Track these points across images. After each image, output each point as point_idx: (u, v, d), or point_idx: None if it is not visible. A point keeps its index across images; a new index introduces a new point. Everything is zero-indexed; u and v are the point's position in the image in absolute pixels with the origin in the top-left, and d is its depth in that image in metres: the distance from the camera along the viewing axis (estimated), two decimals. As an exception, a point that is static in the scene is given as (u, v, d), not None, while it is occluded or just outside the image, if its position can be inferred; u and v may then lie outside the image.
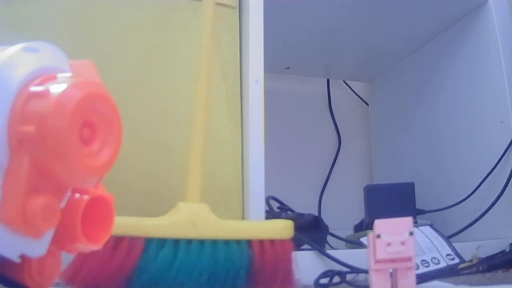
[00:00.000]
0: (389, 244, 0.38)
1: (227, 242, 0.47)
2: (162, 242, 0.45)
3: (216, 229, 0.47)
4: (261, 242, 0.48)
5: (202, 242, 0.47)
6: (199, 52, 0.55)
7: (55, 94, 0.25)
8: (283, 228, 0.50)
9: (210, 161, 0.60)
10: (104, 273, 0.43)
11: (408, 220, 0.39)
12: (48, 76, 0.27)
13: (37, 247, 0.27)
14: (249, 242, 0.48)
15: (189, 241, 0.46)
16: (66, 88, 0.25)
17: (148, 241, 0.45)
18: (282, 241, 0.49)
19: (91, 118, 0.27)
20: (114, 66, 0.59)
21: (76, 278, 0.43)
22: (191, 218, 0.47)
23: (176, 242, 0.46)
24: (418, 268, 0.59)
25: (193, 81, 0.55)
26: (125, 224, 0.44)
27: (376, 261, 0.39)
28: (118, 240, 0.44)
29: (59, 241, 0.29)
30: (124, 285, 0.44)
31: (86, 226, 0.29)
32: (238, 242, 0.48)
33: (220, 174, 0.61)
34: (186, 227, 0.47)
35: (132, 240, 0.45)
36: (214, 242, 0.47)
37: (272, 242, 0.49)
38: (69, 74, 0.27)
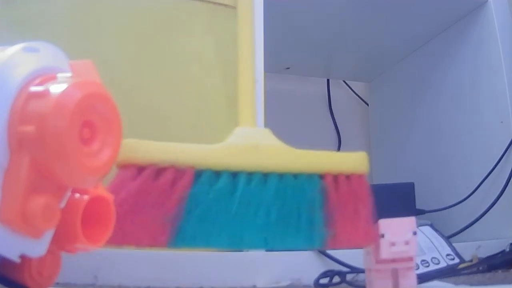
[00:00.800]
0: (393, 244, 0.38)
1: (296, 175, 0.39)
2: (216, 173, 0.37)
3: (283, 156, 0.39)
4: (335, 177, 0.40)
5: (266, 174, 0.38)
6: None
7: (55, 94, 0.25)
8: (360, 160, 0.42)
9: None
10: (144, 215, 0.35)
11: (412, 220, 0.39)
12: (48, 76, 0.27)
13: (37, 247, 0.27)
14: (321, 176, 0.39)
15: (250, 173, 0.37)
16: (66, 88, 0.25)
17: (199, 172, 0.36)
18: (359, 177, 0.41)
19: (91, 118, 0.27)
20: (114, 66, 0.59)
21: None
22: (252, 142, 0.39)
23: (234, 173, 0.37)
24: (418, 268, 0.59)
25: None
26: (169, 150, 0.36)
27: (378, 261, 0.39)
28: (160, 172, 0.36)
29: (59, 241, 0.29)
30: (168, 231, 0.35)
31: (86, 226, 0.29)
32: (309, 175, 0.39)
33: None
34: (246, 152, 0.38)
35: (178, 171, 0.36)
36: (281, 174, 0.38)
37: (348, 177, 0.41)
38: (69, 74, 0.27)
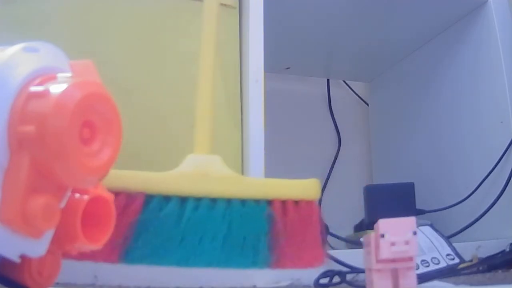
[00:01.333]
0: (393, 244, 0.38)
1: (243, 201, 0.40)
2: (165, 198, 0.38)
3: (231, 183, 0.40)
4: (283, 202, 0.41)
5: (214, 200, 0.39)
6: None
7: (55, 94, 0.25)
8: (309, 187, 0.43)
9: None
10: None
11: (412, 219, 0.39)
12: (48, 76, 0.27)
13: (37, 247, 0.27)
14: (269, 202, 0.40)
15: (198, 199, 0.39)
16: (66, 88, 0.25)
17: (149, 197, 0.38)
18: (308, 202, 0.42)
19: (91, 118, 0.27)
20: (114, 66, 0.59)
21: None
22: (201, 169, 0.40)
23: (183, 199, 0.39)
24: (418, 268, 0.59)
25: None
26: (121, 176, 0.37)
27: (378, 261, 0.39)
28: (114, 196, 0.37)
29: (59, 241, 0.29)
30: (119, 249, 0.38)
31: (86, 226, 0.30)
32: (256, 201, 0.40)
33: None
34: (195, 180, 0.39)
35: (130, 196, 0.38)
36: (229, 200, 0.40)
37: (296, 203, 0.41)
38: (69, 74, 0.27)
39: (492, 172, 0.75)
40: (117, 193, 0.36)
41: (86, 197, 0.30)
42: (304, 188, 0.43)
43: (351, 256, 0.60)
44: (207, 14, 0.49)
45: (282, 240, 0.40)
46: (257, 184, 0.41)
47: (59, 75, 0.27)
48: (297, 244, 0.40)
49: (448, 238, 0.66)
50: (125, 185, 0.38)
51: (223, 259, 0.38)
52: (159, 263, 0.38)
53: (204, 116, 0.44)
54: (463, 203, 0.79)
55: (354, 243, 0.74)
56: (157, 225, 0.37)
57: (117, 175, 0.36)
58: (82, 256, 0.35)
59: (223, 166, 0.41)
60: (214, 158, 0.41)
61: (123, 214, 0.37)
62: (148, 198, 0.38)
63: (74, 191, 0.29)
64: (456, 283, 0.52)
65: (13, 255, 0.26)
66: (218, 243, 0.38)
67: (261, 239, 0.39)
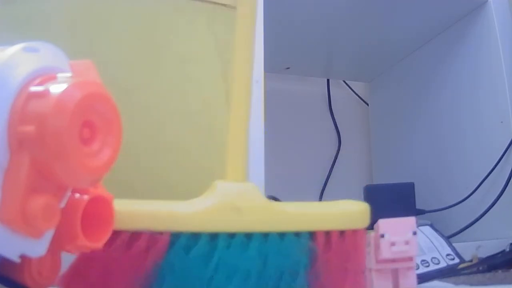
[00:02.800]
0: (393, 244, 0.38)
1: (282, 234, 0.35)
2: (194, 236, 0.34)
3: (269, 216, 0.35)
4: (327, 233, 0.36)
5: (249, 235, 0.35)
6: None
7: (55, 94, 0.25)
8: (358, 214, 0.38)
9: (209, 160, 0.60)
10: (115, 281, 0.33)
11: (412, 219, 0.39)
12: (48, 76, 0.27)
13: (37, 247, 0.27)
14: (311, 233, 0.36)
15: (231, 235, 0.34)
16: (66, 88, 0.25)
17: (175, 236, 0.34)
18: (355, 232, 0.37)
19: (91, 118, 0.27)
20: (114, 66, 0.59)
21: (77, 285, 0.34)
22: (233, 203, 0.35)
23: (213, 235, 0.34)
24: (418, 268, 0.59)
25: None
26: (142, 213, 0.33)
27: (378, 261, 0.39)
28: (133, 237, 0.33)
29: (59, 241, 0.29)
30: None
31: (86, 226, 0.29)
32: (297, 234, 0.36)
33: (220, 174, 0.61)
34: (227, 215, 0.34)
35: (152, 237, 0.33)
36: (265, 234, 0.35)
37: (342, 233, 0.37)
38: (69, 74, 0.27)
39: (492, 172, 0.75)
40: (138, 234, 0.33)
41: (86, 197, 0.30)
42: (353, 216, 0.38)
43: (351, 256, 0.60)
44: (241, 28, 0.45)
45: (323, 275, 0.36)
46: (298, 214, 0.36)
47: (59, 75, 0.27)
48: (339, 278, 0.36)
49: (448, 238, 0.66)
50: (147, 225, 0.33)
51: None
52: None
53: (238, 139, 0.38)
54: (463, 203, 0.79)
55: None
56: (184, 267, 0.33)
57: (137, 213, 0.33)
58: None
59: (259, 195, 0.36)
60: (249, 187, 0.36)
61: (146, 256, 0.33)
62: (174, 238, 0.34)
63: (74, 191, 0.29)
64: (456, 283, 0.52)
65: (13, 255, 0.26)
66: (252, 282, 0.34)
67: (300, 275, 0.35)
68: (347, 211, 0.38)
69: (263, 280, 0.34)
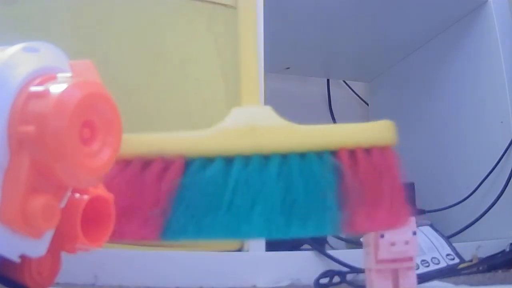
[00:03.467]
0: (393, 244, 0.38)
1: (302, 155, 0.33)
2: (209, 160, 0.33)
3: (286, 135, 0.34)
4: (352, 152, 0.34)
5: (266, 156, 0.33)
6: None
7: (55, 94, 0.25)
8: (382, 130, 0.37)
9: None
10: (133, 207, 0.33)
11: (411, 219, 0.39)
12: (48, 76, 0.27)
13: (37, 247, 0.27)
14: (334, 153, 0.34)
15: (247, 157, 0.33)
16: (66, 88, 0.25)
17: (189, 160, 0.33)
18: (382, 149, 0.36)
19: (91, 118, 0.27)
20: (114, 66, 0.59)
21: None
22: (248, 123, 0.34)
23: (229, 159, 0.33)
24: (418, 268, 0.59)
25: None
26: (155, 140, 0.33)
27: (378, 261, 0.39)
28: (148, 163, 0.33)
29: (59, 241, 0.29)
30: (158, 224, 0.32)
31: (86, 226, 0.30)
32: (318, 153, 0.34)
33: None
34: (242, 135, 0.33)
35: (166, 162, 0.33)
36: (284, 155, 0.33)
37: (367, 151, 0.35)
38: (69, 74, 0.27)
39: (492, 172, 0.75)
40: (151, 160, 0.33)
41: (86, 197, 0.30)
42: (375, 131, 0.36)
43: (351, 256, 0.60)
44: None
45: (354, 197, 0.33)
46: (317, 132, 0.34)
47: (59, 75, 0.27)
48: (373, 201, 0.34)
49: (448, 238, 0.66)
50: (159, 149, 0.33)
51: (283, 226, 0.32)
52: (206, 236, 0.32)
53: (249, 65, 0.37)
54: (463, 203, 0.79)
55: (354, 243, 0.74)
56: (200, 191, 0.32)
57: (148, 139, 0.33)
58: (118, 236, 0.32)
59: (276, 116, 0.35)
60: (265, 109, 0.36)
61: (160, 183, 0.32)
62: (188, 162, 0.33)
63: (74, 191, 0.29)
64: (456, 283, 0.52)
65: (13, 255, 0.26)
66: (274, 206, 0.32)
67: (328, 197, 0.33)
68: (369, 127, 0.36)
69: (287, 205, 0.32)
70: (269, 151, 0.33)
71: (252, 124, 0.34)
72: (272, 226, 0.32)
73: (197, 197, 0.32)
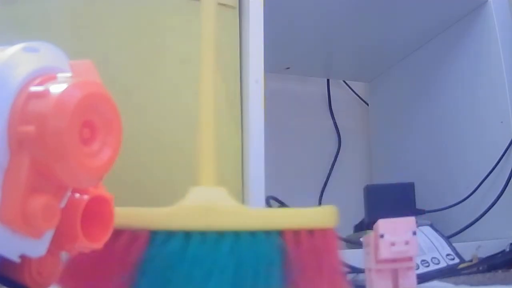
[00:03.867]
0: (393, 244, 0.38)
1: (253, 234, 0.37)
2: (170, 234, 0.37)
3: (236, 217, 0.38)
4: (296, 233, 0.38)
5: (221, 234, 0.37)
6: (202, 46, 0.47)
7: (55, 94, 0.25)
8: (325, 215, 0.40)
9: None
10: (101, 273, 0.36)
11: (411, 219, 0.39)
12: (48, 76, 0.27)
13: (37, 247, 0.27)
14: (281, 233, 0.38)
15: (204, 233, 0.37)
16: (66, 88, 0.25)
17: (153, 233, 0.36)
18: (324, 231, 0.39)
19: (91, 118, 0.27)
20: (114, 66, 0.59)
21: (70, 280, 0.37)
22: (204, 204, 0.38)
23: (188, 234, 0.37)
24: (418, 268, 0.59)
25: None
26: (124, 214, 0.37)
27: (378, 261, 0.39)
28: (117, 234, 0.36)
29: (59, 241, 0.29)
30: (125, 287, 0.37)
31: (86, 226, 0.30)
32: (267, 233, 0.38)
33: (220, 174, 0.61)
34: (197, 215, 0.37)
35: (134, 234, 0.37)
36: (237, 233, 0.37)
37: (311, 232, 0.39)
38: (69, 74, 0.27)
39: (492, 172, 0.75)
40: (121, 232, 0.36)
41: (86, 197, 0.30)
42: (319, 215, 0.40)
43: (351, 256, 0.60)
44: (205, 21, 0.47)
45: (297, 273, 0.37)
46: (266, 215, 0.39)
47: (59, 75, 0.27)
48: (314, 276, 0.38)
49: (448, 238, 0.66)
50: (128, 223, 0.37)
51: None
52: None
53: (208, 146, 0.42)
54: (463, 203, 0.79)
55: (354, 243, 0.74)
56: (162, 262, 0.36)
57: (120, 213, 0.35)
58: None
59: (230, 198, 0.40)
60: (220, 191, 0.40)
61: (128, 252, 0.36)
62: (153, 235, 0.36)
63: (74, 191, 0.29)
64: (456, 283, 0.52)
65: (13, 255, 0.26)
66: (227, 278, 0.35)
67: (274, 273, 0.36)
68: (313, 211, 0.40)
69: (238, 277, 0.35)
70: (224, 229, 0.37)
71: (210, 205, 0.38)
72: None
73: (160, 267, 0.36)
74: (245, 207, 0.40)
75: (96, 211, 0.31)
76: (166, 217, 0.37)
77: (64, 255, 0.33)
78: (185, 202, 0.39)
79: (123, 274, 0.36)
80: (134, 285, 0.36)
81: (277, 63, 1.02)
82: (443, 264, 0.61)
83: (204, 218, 0.37)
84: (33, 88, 0.26)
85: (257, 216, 0.38)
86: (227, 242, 0.36)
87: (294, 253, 0.37)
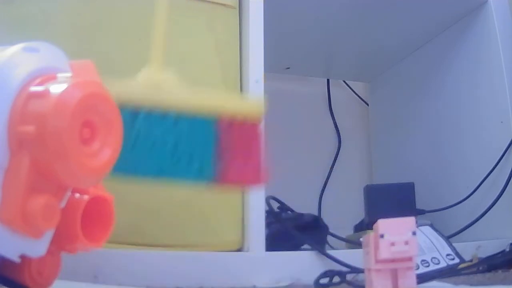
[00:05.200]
0: (393, 244, 0.38)
1: (193, 114, 0.42)
2: (120, 106, 0.39)
3: (180, 97, 0.42)
4: (230, 120, 0.43)
5: (164, 113, 0.41)
6: None
7: (55, 94, 0.25)
8: (254, 107, 0.45)
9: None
10: None
11: (411, 219, 0.39)
12: (48, 76, 0.27)
13: (37, 247, 0.27)
14: (217, 119, 0.42)
15: (149, 109, 0.40)
16: (66, 88, 0.25)
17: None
18: (253, 123, 0.44)
19: (91, 118, 0.27)
20: (114, 66, 0.59)
21: None
22: (153, 82, 0.41)
23: (136, 109, 0.40)
24: (418, 268, 0.59)
25: None
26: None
27: (378, 261, 0.39)
28: None
29: (59, 241, 0.29)
30: None
31: (86, 226, 0.30)
32: (205, 116, 0.42)
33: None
34: (147, 90, 0.41)
35: None
36: (179, 113, 0.41)
37: (243, 122, 0.43)
38: (69, 74, 0.27)
39: (492, 172, 0.75)
40: None
41: (86, 197, 0.30)
42: (250, 108, 0.44)
43: (351, 256, 0.60)
44: None
45: (227, 155, 0.42)
46: (205, 98, 0.43)
47: (59, 75, 0.27)
48: (241, 160, 0.42)
49: (448, 238, 0.66)
50: None
51: (171, 169, 0.40)
52: (116, 173, 0.37)
53: (160, 29, 0.45)
54: (463, 203, 0.79)
55: (354, 243, 0.74)
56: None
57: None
58: None
59: (176, 80, 0.43)
60: (168, 73, 0.43)
61: None
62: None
63: (74, 191, 0.29)
64: (456, 283, 0.52)
65: (13, 255, 0.26)
66: (167, 152, 0.39)
67: (207, 152, 0.41)
68: (247, 104, 0.45)
69: (177, 153, 0.40)
70: (168, 106, 0.40)
71: (157, 83, 0.41)
72: (163, 169, 0.39)
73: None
74: (187, 89, 0.43)
75: (96, 211, 0.31)
76: (116, 92, 0.37)
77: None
78: (135, 80, 0.42)
79: None
80: None
81: (277, 63, 1.02)
82: (443, 264, 0.61)
83: (150, 95, 0.40)
84: (33, 88, 0.26)
85: (198, 99, 0.42)
86: (169, 120, 0.40)
87: (226, 135, 0.42)
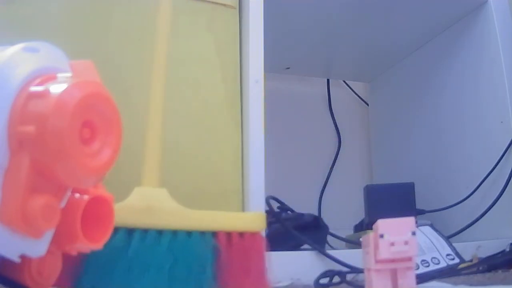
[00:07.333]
0: (392, 244, 0.38)
1: (189, 233, 0.42)
2: (114, 230, 0.39)
3: (175, 217, 0.42)
4: (228, 234, 0.43)
5: (160, 232, 0.41)
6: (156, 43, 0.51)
7: (55, 94, 0.25)
8: (254, 220, 0.45)
9: (210, 161, 0.60)
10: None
11: (411, 220, 0.39)
12: (48, 76, 0.27)
13: (37, 247, 0.27)
14: (214, 234, 0.42)
15: (145, 230, 0.41)
16: (66, 88, 0.25)
17: None
18: (253, 234, 0.44)
19: (91, 118, 0.27)
20: (114, 66, 0.59)
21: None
22: (146, 203, 0.42)
23: (130, 231, 0.40)
24: (418, 268, 0.59)
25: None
26: None
27: (377, 261, 0.39)
28: None
29: (59, 241, 0.29)
30: (73, 276, 0.38)
31: (86, 226, 0.30)
32: (202, 233, 0.42)
33: (220, 174, 0.61)
34: (139, 213, 0.41)
35: None
36: (175, 232, 0.41)
37: (241, 235, 0.43)
38: (69, 74, 0.27)
39: (492, 172, 0.75)
40: None
41: (86, 197, 0.30)
42: (248, 220, 0.45)
43: (351, 256, 0.60)
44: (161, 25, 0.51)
45: (227, 270, 0.41)
46: (202, 216, 0.43)
47: (59, 75, 0.27)
48: (241, 274, 0.42)
49: (448, 238, 0.66)
50: None
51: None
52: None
53: (152, 148, 0.46)
54: (463, 203, 0.79)
55: (354, 243, 0.74)
56: (106, 254, 0.37)
57: None
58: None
59: (169, 199, 0.43)
60: (161, 192, 0.43)
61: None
62: None
63: (74, 191, 0.29)
64: (456, 283, 0.52)
65: (13, 255, 0.26)
66: (163, 273, 0.39)
67: (206, 269, 0.41)
68: (244, 216, 0.46)
69: (174, 272, 0.40)
70: (162, 227, 0.41)
71: (151, 204, 0.41)
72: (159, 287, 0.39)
73: (104, 259, 0.38)
74: (183, 209, 0.43)
75: (96, 211, 0.31)
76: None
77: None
78: (128, 201, 0.42)
79: (72, 262, 0.38)
80: (78, 277, 0.38)
81: (277, 63, 1.02)
82: (443, 264, 0.61)
83: (144, 216, 0.41)
84: (33, 88, 0.26)
85: (193, 217, 0.42)
86: (165, 240, 0.40)
87: (225, 253, 0.42)
